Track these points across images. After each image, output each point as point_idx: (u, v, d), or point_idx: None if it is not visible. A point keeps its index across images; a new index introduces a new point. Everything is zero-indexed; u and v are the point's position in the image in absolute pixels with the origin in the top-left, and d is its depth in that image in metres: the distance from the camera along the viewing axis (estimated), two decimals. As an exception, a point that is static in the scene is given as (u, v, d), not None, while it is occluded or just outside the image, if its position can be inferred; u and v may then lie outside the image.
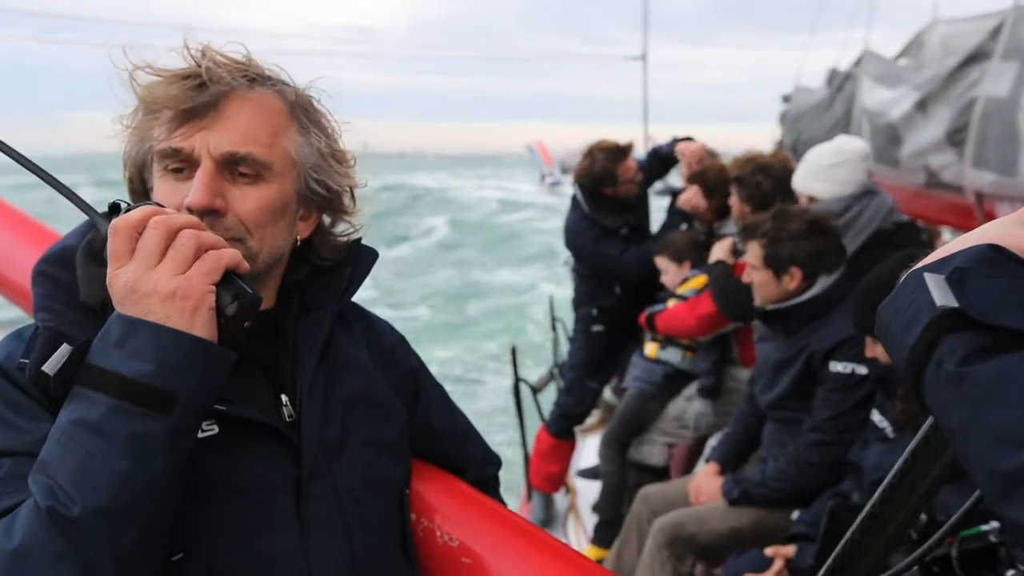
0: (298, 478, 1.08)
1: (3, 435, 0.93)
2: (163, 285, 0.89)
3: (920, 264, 0.72)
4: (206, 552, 0.99)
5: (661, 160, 4.50)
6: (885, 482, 0.93)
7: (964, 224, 4.93)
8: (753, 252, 2.84)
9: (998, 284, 0.65)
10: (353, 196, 1.20)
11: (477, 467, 1.43)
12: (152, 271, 0.90)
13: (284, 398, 1.11)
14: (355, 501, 1.14)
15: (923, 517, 1.78)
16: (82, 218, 1.06)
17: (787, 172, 3.55)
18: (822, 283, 2.79)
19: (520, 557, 1.27)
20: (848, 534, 1.02)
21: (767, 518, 2.79)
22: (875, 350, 2.36)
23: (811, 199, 3.39)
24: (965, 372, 0.61)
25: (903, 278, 0.72)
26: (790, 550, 2.46)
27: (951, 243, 0.72)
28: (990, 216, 4.57)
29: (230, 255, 0.95)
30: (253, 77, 1.07)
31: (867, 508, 0.99)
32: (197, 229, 0.95)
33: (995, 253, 0.67)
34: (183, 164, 1.04)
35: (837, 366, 2.68)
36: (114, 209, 0.98)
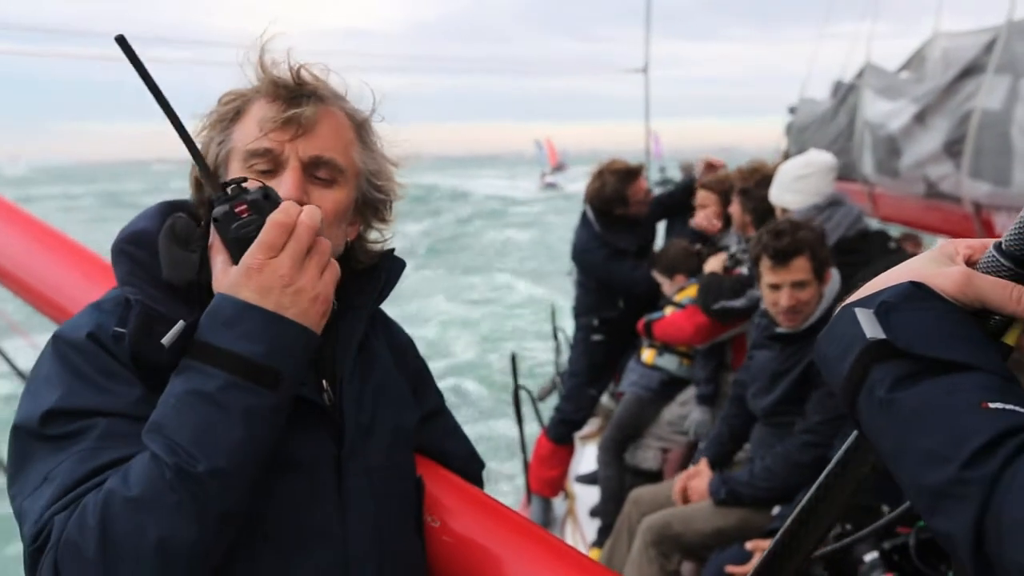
0: (339, 456, 1.18)
1: (99, 397, 1.03)
2: (311, 287, 1.02)
3: (852, 298, 0.80)
4: (262, 519, 1.07)
5: (679, 196, 4.64)
6: (818, 482, 1.05)
7: (963, 234, 4.96)
8: (800, 268, 2.76)
9: (919, 317, 0.71)
10: (391, 207, 1.33)
11: (462, 462, 1.52)
12: (302, 272, 1.02)
13: (325, 383, 1.21)
14: (382, 481, 1.24)
15: (885, 508, 1.85)
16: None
17: None
18: (828, 297, 2.83)
19: (521, 553, 1.33)
20: (785, 524, 1.11)
21: (751, 518, 2.83)
22: None
23: (784, 210, 3.47)
24: (893, 398, 0.67)
25: (837, 311, 0.80)
26: (768, 544, 2.50)
27: (877, 279, 0.79)
28: (987, 225, 4.61)
29: (336, 272, 1.08)
30: (332, 94, 1.22)
31: (803, 503, 1.08)
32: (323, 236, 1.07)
33: (916, 289, 0.74)
34: (270, 165, 1.15)
35: None
36: (224, 189, 1.05)
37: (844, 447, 0.99)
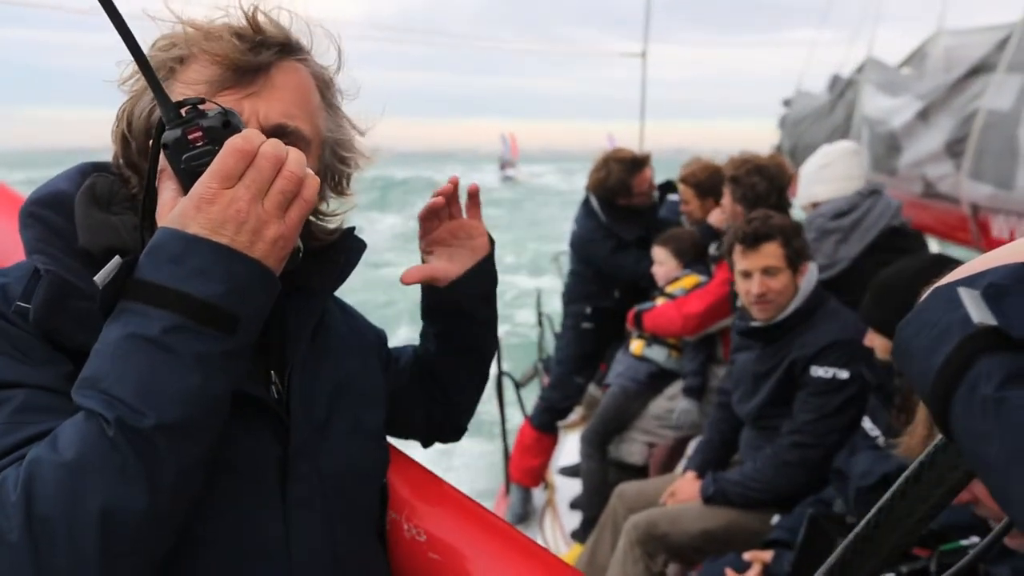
0: (284, 458, 1.05)
1: (12, 368, 0.89)
2: (272, 229, 0.87)
3: (946, 280, 0.65)
4: (193, 524, 0.94)
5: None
6: (879, 503, 0.85)
7: (958, 236, 4.91)
8: (770, 255, 2.71)
9: None
10: (350, 179, 1.19)
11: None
12: (260, 207, 0.87)
13: (273, 374, 1.08)
14: (338, 487, 1.11)
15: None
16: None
17: (782, 174, 3.53)
18: (804, 291, 2.76)
19: (489, 553, 1.24)
20: (836, 554, 0.96)
21: (741, 521, 2.76)
22: (873, 340, 2.31)
23: (814, 205, 3.37)
24: (1005, 397, 0.55)
25: (927, 293, 0.66)
26: (767, 555, 2.43)
27: (976, 260, 0.66)
28: (984, 228, 4.54)
29: (312, 203, 0.92)
30: (297, 46, 1.06)
31: (858, 528, 0.93)
32: (297, 164, 0.90)
33: None
34: None
35: (819, 371, 2.67)
36: (178, 108, 0.90)
37: (919, 459, 0.79)
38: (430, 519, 1.26)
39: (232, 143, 0.86)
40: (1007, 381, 0.55)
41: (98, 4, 0.84)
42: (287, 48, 1.04)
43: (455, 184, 1.30)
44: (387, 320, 8.34)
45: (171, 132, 0.88)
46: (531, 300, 5.99)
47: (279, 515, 1.04)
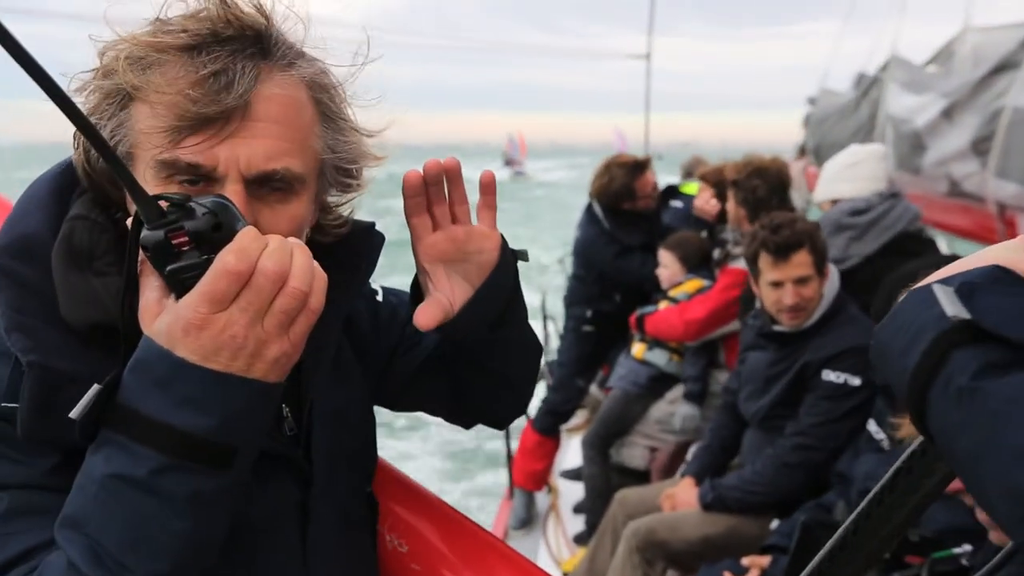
0: (304, 503, 0.98)
1: (1, 467, 0.81)
2: (273, 349, 0.75)
3: (922, 282, 0.67)
4: None
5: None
6: (865, 501, 0.86)
7: (984, 235, 4.77)
8: (801, 263, 2.63)
9: (1010, 299, 0.61)
10: (360, 173, 1.02)
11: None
12: (259, 328, 0.74)
13: (286, 409, 0.98)
14: (348, 513, 1.07)
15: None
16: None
17: (783, 177, 3.52)
18: (828, 295, 2.70)
19: (471, 564, 1.19)
20: (823, 551, 0.93)
21: (740, 527, 2.69)
22: None
23: (833, 202, 3.33)
24: (978, 386, 0.56)
25: (902, 297, 0.68)
26: (765, 560, 2.37)
27: (953, 264, 0.68)
28: (1011, 226, 4.43)
29: (319, 310, 0.79)
30: (279, 43, 0.87)
31: (837, 535, 0.90)
32: (302, 276, 0.77)
33: (1004, 273, 0.64)
34: (199, 180, 0.83)
35: (830, 375, 2.62)
36: (159, 208, 0.74)
37: (896, 466, 0.80)
38: (412, 530, 1.22)
39: (224, 263, 0.72)
40: (981, 372, 0.57)
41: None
42: (264, 46, 0.85)
43: (450, 168, 0.99)
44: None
45: (151, 234, 0.74)
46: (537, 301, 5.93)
47: (299, 559, 0.99)
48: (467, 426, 1.27)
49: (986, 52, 5.08)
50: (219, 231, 0.74)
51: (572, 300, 4.51)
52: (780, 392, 2.75)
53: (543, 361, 5.50)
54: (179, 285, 0.75)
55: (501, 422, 1.27)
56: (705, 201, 3.89)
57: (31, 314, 0.82)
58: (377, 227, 1.07)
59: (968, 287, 0.62)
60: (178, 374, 0.73)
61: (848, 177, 3.33)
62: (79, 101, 0.83)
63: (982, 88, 4.53)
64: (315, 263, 0.78)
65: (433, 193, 0.99)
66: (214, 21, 0.82)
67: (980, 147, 4.46)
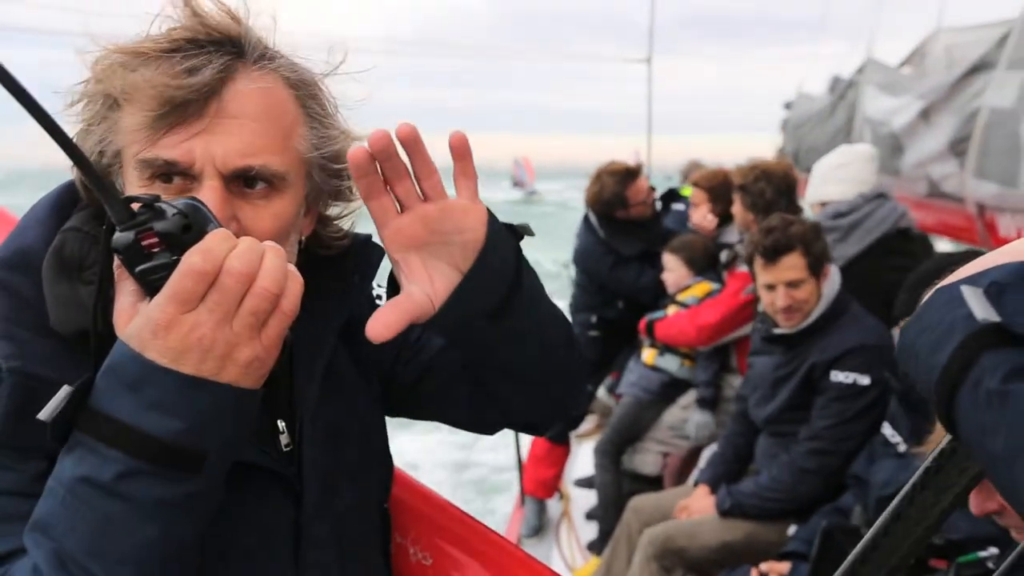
0: (297, 521, 0.97)
1: None
2: (244, 352, 0.75)
3: (949, 280, 0.66)
4: None
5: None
6: (895, 501, 0.85)
7: (964, 236, 4.89)
8: (792, 266, 2.67)
9: None
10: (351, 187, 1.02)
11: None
12: (228, 330, 0.74)
13: (281, 424, 0.97)
14: (349, 529, 1.04)
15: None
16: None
17: (790, 180, 3.54)
18: (827, 296, 2.74)
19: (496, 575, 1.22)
20: (846, 564, 0.96)
21: (759, 533, 2.74)
22: None
23: (822, 204, 3.38)
24: (1009, 390, 0.55)
25: (929, 295, 0.67)
26: (784, 567, 2.42)
27: (979, 260, 0.67)
28: (991, 227, 4.52)
29: (293, 314, 0.78)
30: (256, 46, 0.87)
31: (867, 538, 0.93)
32: (271, 277, 0.76)
33: None
34: (178, 179, 0.85)
35: (839, 376, 2.65)
36: (132, 207, 0.75)
37: (924, 465, 0.80)
38: (436, 542, 1.23)
39: (190, 263, 0.72)
40: (1011, 375, 0.56)
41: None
42: (239, 48, 0.86)
43: (404, 135, 0.83)
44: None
45: (123, 235, 0.75)
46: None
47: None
48: (490, 432, 1.19)
49: (960, 53, 5.20)
50: (189, 232, 0.75)
51: (577, 307, 4.54)
52: (789, 396, 2.78)
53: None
54: (150, 287, 0.76)
55: (535, 427, 1.17)
56: (703, 217, 3.92)
57: (21, 324, 0.84)
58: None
59: (997, 287, 0.61)
60: (148, 377, 0.73)
61: (837, 178, 3.39)
62: (75, 114, 0.87)
63: (958, 89, 4.63)
64: (291, 267, 0.78)
65: (389, 169, 0.84)
66: (190, 30, 0.85)
67: (958, 148, 4.57)
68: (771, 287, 2.72)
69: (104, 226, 0.78)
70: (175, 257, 0.74)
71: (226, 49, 0.85)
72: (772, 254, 2.67)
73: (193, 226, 0.75)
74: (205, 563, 0.84)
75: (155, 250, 0.75)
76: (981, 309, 0.60)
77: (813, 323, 2.72)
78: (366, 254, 1.05)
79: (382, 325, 0.86)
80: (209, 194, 0.83)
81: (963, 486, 0.79)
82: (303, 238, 0.99)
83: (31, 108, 0.68)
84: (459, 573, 1.22)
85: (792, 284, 2.68)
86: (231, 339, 0.74)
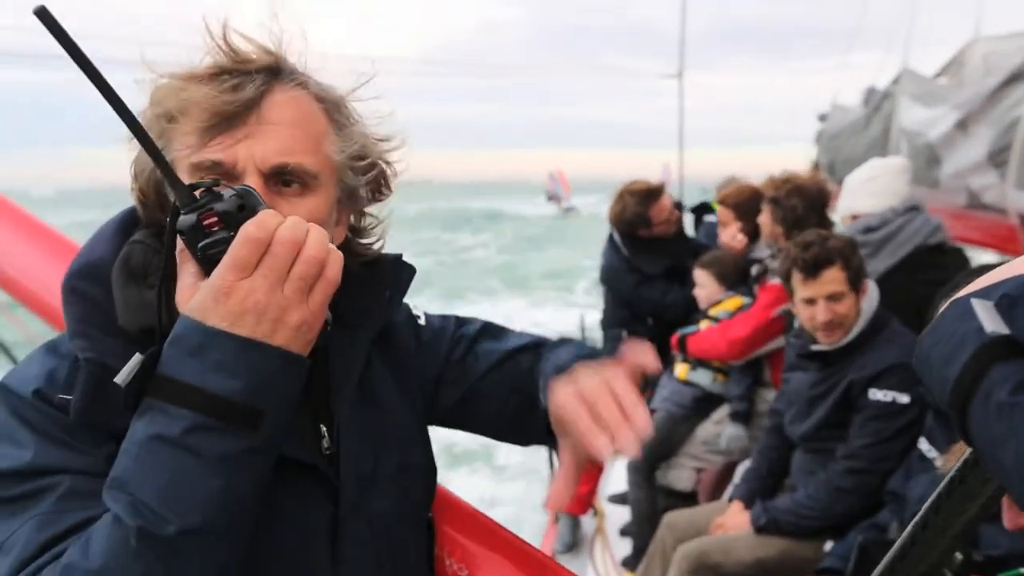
0: (335, 518, 1.04)
1: (62, 453, 0.91)
2: (294, 315, 0.85)
3: (963, 292, 0.68)
4: None
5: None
6: (922, 511, 0.88)
7: (1007, 247, 4.80)
8: (833, 280, 2.66)
9: None
10: (387, 185, 1.13)
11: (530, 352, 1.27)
12: (280, 294, 0.84)
13: (323, 429, 1.06)
14: (388, 534, 1.10)
15: (958, 556, 1.72)
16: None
17: (822, 195, 3.52)
18: (867, 311, 2.72)
19: None
20: (883, 563, 0.96)
21: (795, 549, 2.71)
22: None
23: (853, 217, 3.37)
24: (1018, 402, 0.57)
25: (944, 306, 0.69)
26: None
27: (993, 272, 0.69)
28: (1034, 238, 4.44)
29: (336, 282, 0.89)
30: (287, 70, 1.01)
31: (895, 547, 0.94)
32: (317, 246, 0.87)
33: None
34: (221, 177, 0.95)
35: (877, 394, 2.61)
36: (191, 191, 0.87)
37: (949, 475, 0.83)
38: (471, 554, 1.25)
39: (245, 232, 0.83)
40: (1020, 387, 0.58)
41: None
42: (275, 72, 0.99)
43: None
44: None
45: (186, 218, 0.87)
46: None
47: (329, 574, 1.04)
48: (528, 443, 1.28)
49: (997, 62, 5.12)
50: (243, 211, 0.86)
51: (607, 323, 4.55)
52: (826, 413, 2.75)
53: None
54: (209, 261, 0.86)
55: None
56: (732, 236, 3.91)
57: (93, 324, 0.95)
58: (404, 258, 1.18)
59: (1007, 300, 0.63)
60: (210, 342, 0.82)
61: (867, 191, 3.37)
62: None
63: (996, 99, 4.56)
64: (331, 244, 0.88)
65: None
66: (232, 62, 0.98)
67: (997, 159, 4.49)
68: (811, 301, 2.69)
69: (168, 218, 0.89)
70: (232, 233, 0.85)
71: (264, 73, 0.98)
72: (812, 268, 2.66)
73: (247, 206, 0.87)
74: (249, 555, 0.91)
75: (214, 228, 0.86)
76: (991, 322, 0.62)
77: (853, 340, 2.69)
78: (396, 271, 1.15)
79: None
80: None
81: (987, 495, 0.80)
82: (335, 244, 1.06)
83: (122, 113, 0.81)
84: None
85: (833, 298, 2.66)
86: (282, 303, 0.84)
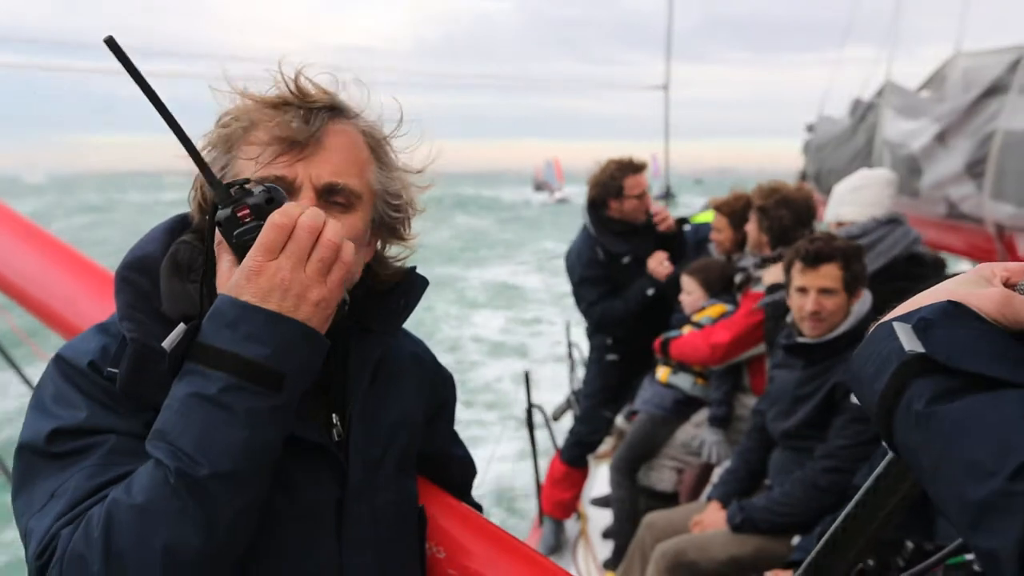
0: (341, 499, 1.15)
1: (109, 416, 1.04)
2: (314, 293, 0.99)
3: (888, 316, 0.78)
4: (250, 565, 1.04)
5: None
6: (851, 504, 0.99)
7: (984, 256, 4.90)
8: (828, 275, 2.75)
9: (959, 334, 0.70)
10: (409, 224, 1.29)
11: (462, 466, 1.53)
12: (302, 273, 0.98)
13: (335, 417, 1.18)
14: (387, 519, 1.21)
15: (909, 544, 1.79)
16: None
17: (809, 206, 3.60)
18: (856, 314, 2.79)
19: (504, 569, 1.32)
20: (816, 548, 1.07)
21: (768, 546, 2.77)
22: None
23: (839, 224, 3.45)
24: (933, 411, 0.66)
25: (872, 329, 0.78)
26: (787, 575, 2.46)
27: (913, 299, 0.78)
28: (1010, 247, 4.54)
29: (350, 265, 1.03)
30: (342, 108, 1.17)
31: (834, 526, 1.03)
32: (333, 232, 1.01)
33: (955, 308, 0.73)
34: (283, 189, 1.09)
35: None
36: (226, 189, 1.02)
37: (875, 473, 0.94)
38: (449, 536, 1.34)
39: (272, 219, 0.98)
40: (934, 399, 0.66)
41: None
42: (335, 111, 1.15)
43: None
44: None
45: (223, 211, 1.02)
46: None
47: (335, 553, 1.14)
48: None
49: (976, 76, 5.24)
50: (271, 204, 1.01)
51: (592, 330, 4.56)
52: (808, 413, 2.81)
53: (569, 392, 5.68)
54: (242, 247, 1.00)
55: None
56: (728, 239, 3.98)
57: (140, 310, 1.09)
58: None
59: (924, 323, 0.72)
60: (242, 315, 0.96)
61: (853, 200, 3.46)
62: (207, 146, 1.14)
63: (974, 112, 4.68)
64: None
65: None
66: (298, 98, 1.13)
67: (975, 170, 4.60)
68: (803, 290, 2.77)
69: (208, 216, 1.06)
70: (262, 222, 0.99)
71: (325, 110, 1.15)
72: (813, 260, 2.74)
73: (274, 199, 1.02)
74: (260, 525, 1.02)
75: (247, 220, 1.01)
76: (909, 342, 0.71)
77: (837, 337, 2.75)
78: (411, 282, 1.29)
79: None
80: (306, 202, 1.09)
81: (905, 491, 0.92)
82: (366, 261, 1.22)
83: (170, 122, 0.98)
84: (470, 565, 1.32)
85: (824, 291, 2.74)
86: (304, 281, 0.98)
